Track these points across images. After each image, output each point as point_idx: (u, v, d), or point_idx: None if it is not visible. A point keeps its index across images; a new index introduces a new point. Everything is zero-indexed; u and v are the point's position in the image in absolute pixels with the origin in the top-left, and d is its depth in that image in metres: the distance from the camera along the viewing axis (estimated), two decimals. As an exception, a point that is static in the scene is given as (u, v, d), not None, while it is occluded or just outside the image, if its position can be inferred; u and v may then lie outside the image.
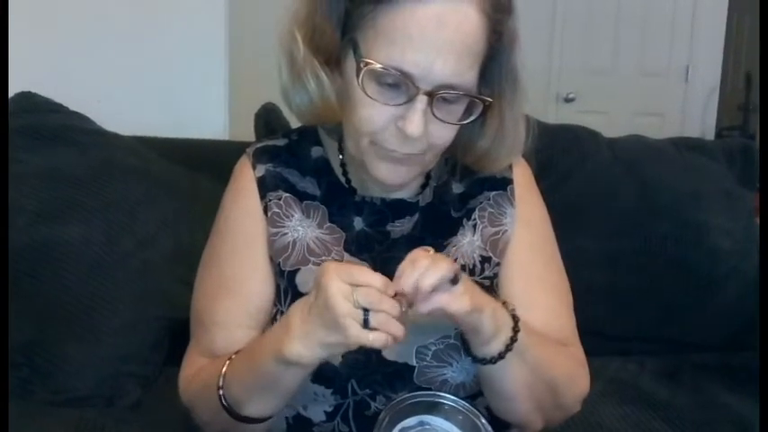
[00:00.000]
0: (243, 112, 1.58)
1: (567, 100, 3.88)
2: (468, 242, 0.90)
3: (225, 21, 2.02)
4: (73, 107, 1.43)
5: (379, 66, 0.74)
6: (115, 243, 1.26)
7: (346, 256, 0.88)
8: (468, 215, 0.92)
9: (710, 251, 1.49)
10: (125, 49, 1.89)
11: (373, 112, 0.77)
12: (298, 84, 0.83)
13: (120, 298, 1.23)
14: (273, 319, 0.88)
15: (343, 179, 0.92)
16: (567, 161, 1.51)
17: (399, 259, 0.85)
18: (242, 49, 2.20)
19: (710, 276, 1.49)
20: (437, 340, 0.84)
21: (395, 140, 0.78)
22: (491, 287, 0.89)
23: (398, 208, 0.91)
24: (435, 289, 0.70)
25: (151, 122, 1.55)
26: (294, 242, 0.88)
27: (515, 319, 0.79)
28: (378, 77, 0.76)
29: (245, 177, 0.92)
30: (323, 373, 0.82)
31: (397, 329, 0.68)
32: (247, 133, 1.42)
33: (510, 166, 0.95)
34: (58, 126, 1.37)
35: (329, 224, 0.89)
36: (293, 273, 0.87)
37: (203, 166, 1.41)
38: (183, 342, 0.95)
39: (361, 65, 0.75)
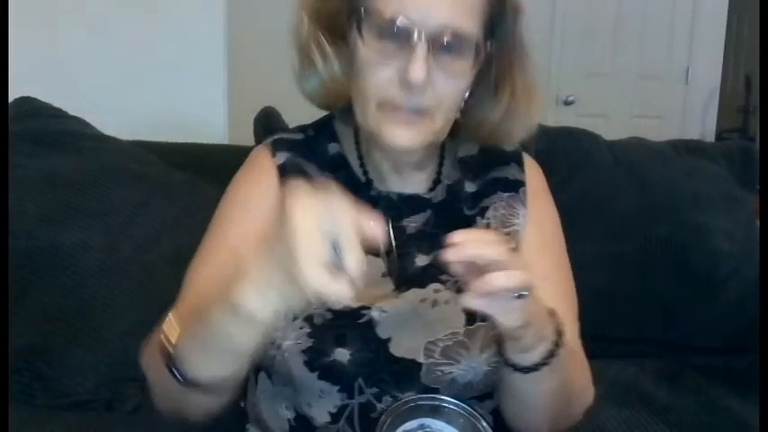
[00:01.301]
0: (242, 116, 1.58)
1: (567, 103, 3.88)
2: None
3: (224, 25, 2.03)
4: (72, 112, 1.43)
5: (378, 17, 0.77)
6: (115, 247, 1.26)
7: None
8: (482, 213, 0.91)
9: (711, 253, 1.49)
10: (124, 53, 1.90)
11: (378, 69, 0.78)
12: (307, 66, 0.86)
13: (121, 302, 1.23)
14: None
15: (360, 172, 0.91)
16: (567, 164, 1.51)
17: (413, 255, 0.85)
18: (241, 53, 2.21)
19: (711, 278, 1.49)
20: (445, 336, 0.83)
21: (401, 95, 0.78)
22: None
23: (413, 203, 0.90)
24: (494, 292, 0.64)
25: (151, 127, 1.55)
26: None
27: (559, 333, 0.75)
28: (379, 30, 0.78)
29: (265, 163, 0.91)
30: (330, 370, 0.81)
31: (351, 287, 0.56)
32: (247, 137, 1.42)
33: (522, 169, 0.95)
34: (57, 131, 1.37)
35: None
36: None
37: (203, 171, 1.41)
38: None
39: (362, 15, 0.78)
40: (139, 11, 1.91)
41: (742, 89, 4.56)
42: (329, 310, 0.83)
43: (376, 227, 0.59)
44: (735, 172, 1.63)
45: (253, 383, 0.94)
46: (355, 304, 0.62)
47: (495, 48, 0.85)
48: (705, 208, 1.52)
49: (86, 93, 1.70)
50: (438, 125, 0.83)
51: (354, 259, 0.56)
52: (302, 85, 0.89)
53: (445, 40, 0.77)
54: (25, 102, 1.40)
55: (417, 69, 0.75)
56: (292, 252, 0.55)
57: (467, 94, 0.85)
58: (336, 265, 0.56)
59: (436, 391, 0.82)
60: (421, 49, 0.76)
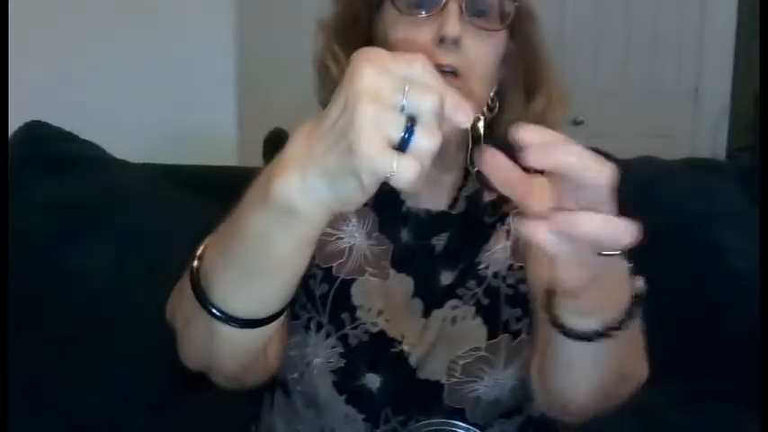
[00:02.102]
0: (253, 137, 1.58)
1: (576, 123, 3.87)
2: (502, 248, 0.86)
3: (234, 47, 2.04)
4: (83, 134, 1.44)
5: None
6: (124, 270, 1.25)
7: (392, 272, 0.84)
8: (502, 220, 0.89)
9: (726, 273, 1.47)
10: (135, 76, 1.91)
11: (412, 37, 0.78)
12: (324, 75, 0.86)
13: (128, 325, 1.23)
14: (307, 328, 0.82)
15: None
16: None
17: (440, 275, 0.82)
18: (252, 75, 2.22)
19: (727, 298, 1.47)
20: (465, 353, 0.81)
21: (438, 53, 0.77)
22: (524, 294, 0.83)
23: (441, 221, 0.88)
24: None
25: (161, 149, 1.55)
26: (351, 249, 0.85)
27: (636, 300, 0.60)
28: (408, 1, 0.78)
29: None
30: (359, 395, 0.79)
31: (429, 164, 0.45)
32: (257, 159, 1.42)
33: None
34: (68, 154, 1.38)
35: (377, 233, 0.86)
36: (349, 282, 0.83)
37: (213, 192, 1.41)
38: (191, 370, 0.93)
39: None
40: (149, 33, 1.93)
41: (752, 107, 4.54)
42: (366, 332, 0.81)
43: (464, 113, 0.46)
44: (748, 190, 1.61)
45: (268, 404, 0.92)
46: (413, 188, 0.45)
47: (519, 49, 0.86)
48: (719, 227, 1.51)
49: (97, 117, 1.70)
50: (475, 90, 0.80)
51: (429, 138, 0.45)
52: (320, 96, 0.89)
53: (475, 1, 0.78)
54: (36, 126, 1.41)
55: (452, 24, 0.76)
56: (352, 118, 0.44)
57: (493, 92, 0.84)
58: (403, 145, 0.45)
59: (461, 411, 0.80)
60: (453, 7, 0.77)
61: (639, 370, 0.76)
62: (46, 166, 1.34)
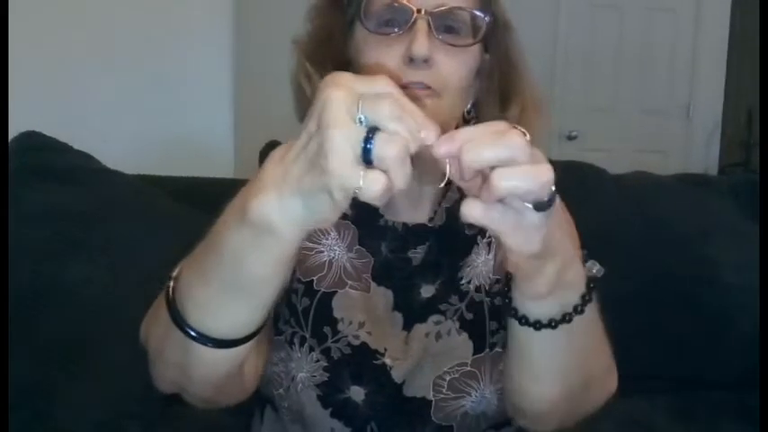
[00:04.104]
0: (249, 149, 1.59)
1: (570, 138, 3.90)
2: (483, 261, 0.86)
3: (231, 60, 2.05)
4: (78, 146, 1.44)
5: (378, 3, 0.77)
6: (119, 282, 1.25)
7: (373, 285, 0.85)
8: (483, 233, 0.88)
9: (720, 287, 1.48)
10: (132, 88, 1.91)
11: (382, 56, 0.77)
12: (300, 97, 0.85)
13: (122, 338, 1.22)
14: (290, 343, 0.82)
15: None
16: (572, 198, 1.50)
17: (420, 288, 0.80)
18: (248, 87, 2.22)
19: (721, 313, 1.47)
20: (451, 368, 0.81)
21: (407, 73, 0.76)
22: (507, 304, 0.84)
23: (418, 234, 0.88)
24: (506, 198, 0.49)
25: (157, 160, 1.55)
26: (331, 262, 0.85)
27: (589, 284, 0.61)
28: (377, 16, 0.78)
29: None
30: (344, 409, 0.79)
31: (402, 172, 0.46)
32: (253, 171, 1.42)
33: None
34: (63, 165, 1.37)
35: (358, 247, 0.87)
36: (330, 295, 0.84)
37: (209, 204, 1.40)
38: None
39: (362, 6, 0.78)
40: (147, 44, 1.93)
41: (744, 124, 4.58)
42: (348, 345, 0.81)
43: (427, 131, 0.48)
44: (741, 205, 1.62)
45: (258, 419, 0.92)
46: (382, 202, 0.47)
47: (494, 61, 0.85)
48: (713, 242, 1.52)
49: (92, 128, 1.70)
50: (444, 103, 0.80)
51: (388, 145, 0.46)
52: (297, 112, 0.88)
53: (445, 17, 0.77)
54: (31, 136, 1.41)
55: (420, 42, 0.75)
56: (322, 141, 0.46)
57: (470, 104, 0.84)
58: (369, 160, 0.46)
59: (450, 429, 0.80)
60: (422, 26, 0.76)
61: (607, 378, 0.77)
62: (40, 177, 1.33)
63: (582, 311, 0.61)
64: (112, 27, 1.93)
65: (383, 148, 0.46)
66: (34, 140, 1.40)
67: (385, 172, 0.46)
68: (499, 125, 0.51)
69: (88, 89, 1.90)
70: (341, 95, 0.47)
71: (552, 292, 0.59)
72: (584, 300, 0.61)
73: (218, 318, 0.60)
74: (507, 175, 0.48)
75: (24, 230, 1.23)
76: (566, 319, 0.60)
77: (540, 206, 0.50)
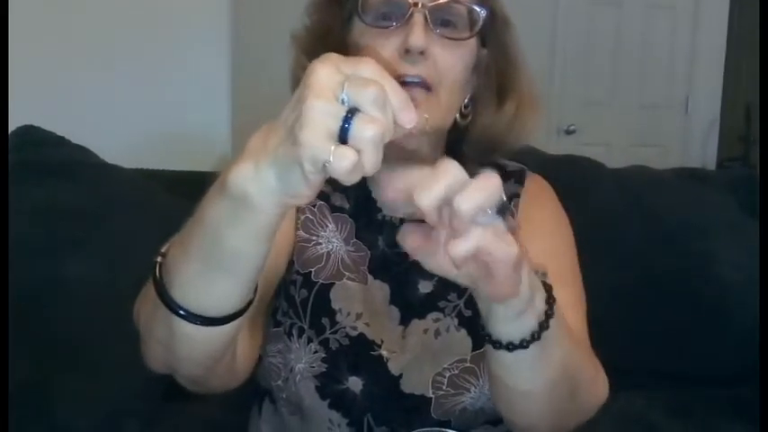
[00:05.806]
0: (246, 144, 1.59)
1: (568, 132, 3.89)
2: None
3: (228, 55, 2.04)
4: (76, 140, 1.43)
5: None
6: (116, 278, 1.24)
7: (370, 278, 0.85)
8: None
9: (718, 283, 1.48)
10: (129, 81, 1.91)
11: (379, 49, 0.77)
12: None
13: (120, 334, 1.21)
14: (289, 335, 0.82)
15: (370, 192, 0.89)
16: (570, 192, 1.50)
17: (418, 283, 0.80)
18: (246, 82, 2.22)
19: (719, 308, 1.47)
20: (451, 365, 0.82)
21: (404, 66, 0.77)
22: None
23: None
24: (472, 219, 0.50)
25: (154, 154, 1.55)
26: (329, 254, 0.86)
27: (550, 301, 0.63)
28: (374, 10, 0.78)
29: None
30: (342, 400, 0.80)
31: (374, 156, 0.47)
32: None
33: (522, 183, 0.94)
34: (60, 159, 1.37)
35: (355, 240, 0.87)
36: (328, 286, 0.84)
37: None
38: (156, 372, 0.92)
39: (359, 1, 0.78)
40: (144, 38, 1.93)
41: (742, 119, 4.58)
42: (346, 336, 0.81)
43: (407, 114, 0.49)
44: (739, 200, 1.62)
45: (256, 412, 0.92)
46: (350, 181, 0.47)
47: (491, 56, 0.85)
48: (711, 237, 1.51)
49: (90, 122, 1.70)
50: (442, 101, 0.80)
51: (366, 126, 0.46)
52: None
53: (442, 11, 0.77)
54: (28, 130, 1.40)
55: (416, 35, 0.75)
56: (301, 112, 0.47)
57: (467, 99, 0.84)
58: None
59: (448, 423, 0.81)
60: (418, 19, 0.76)
61: (594, 387, 0.77)
62: (37, 171, 1.33)
63: (549, 326, 0.62)
64: (110, 22, 1.92)
65: (361, 129, 0.46)
66: (32, 135, 1.40)
67: (358, 152, 0.47)
68: (424, 168, 0.51)
69: (86, 84, 1.89)
70: (325, 72, 0.48)
71: (526, 309, 0.61)
72: (548, 315, 0.63)
73: (201, 294, 0.60)
74: (467, 197, 0.50)
75: (22, 226, 1.23)
76: (536, 337, 0.62)
77: (501, 209, 0.51)
